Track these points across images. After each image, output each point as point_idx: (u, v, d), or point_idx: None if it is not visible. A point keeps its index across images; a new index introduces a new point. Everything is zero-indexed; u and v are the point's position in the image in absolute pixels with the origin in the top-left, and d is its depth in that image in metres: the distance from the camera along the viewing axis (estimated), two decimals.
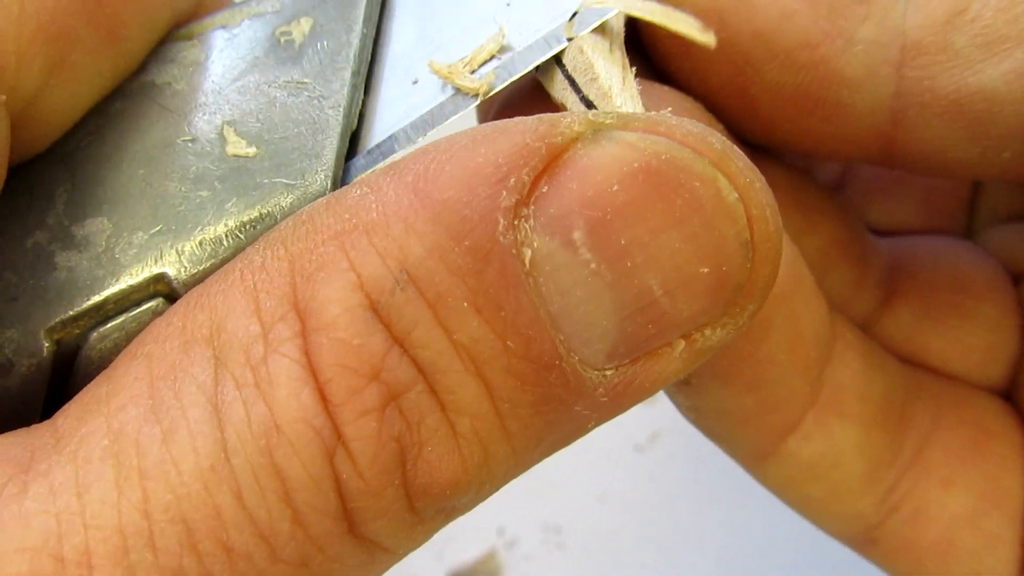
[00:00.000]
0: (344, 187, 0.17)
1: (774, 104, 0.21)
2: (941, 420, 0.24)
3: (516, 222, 0.15)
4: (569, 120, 0.16)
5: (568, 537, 0.43)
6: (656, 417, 0.46)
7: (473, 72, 0.18)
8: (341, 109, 0.19)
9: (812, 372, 0.22)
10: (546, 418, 0.16)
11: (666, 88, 0.21)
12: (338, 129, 0.18)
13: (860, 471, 0.23)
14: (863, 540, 0.24)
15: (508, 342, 0.15)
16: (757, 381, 0.21)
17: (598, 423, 0.17)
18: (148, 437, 0.15)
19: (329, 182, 0.18)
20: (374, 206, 0.15)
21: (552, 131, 0.15)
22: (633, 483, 0.45)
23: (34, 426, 0.16)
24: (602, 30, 0.19)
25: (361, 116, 0.19)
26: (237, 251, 0.18)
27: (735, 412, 0.22)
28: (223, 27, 0.20)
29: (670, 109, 0.17)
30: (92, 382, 0.16)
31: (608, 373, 0.16)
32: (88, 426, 0.16)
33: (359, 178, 0.16)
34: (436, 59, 0.19)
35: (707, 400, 0.22)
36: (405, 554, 0.17)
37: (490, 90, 0.18)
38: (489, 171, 0.15)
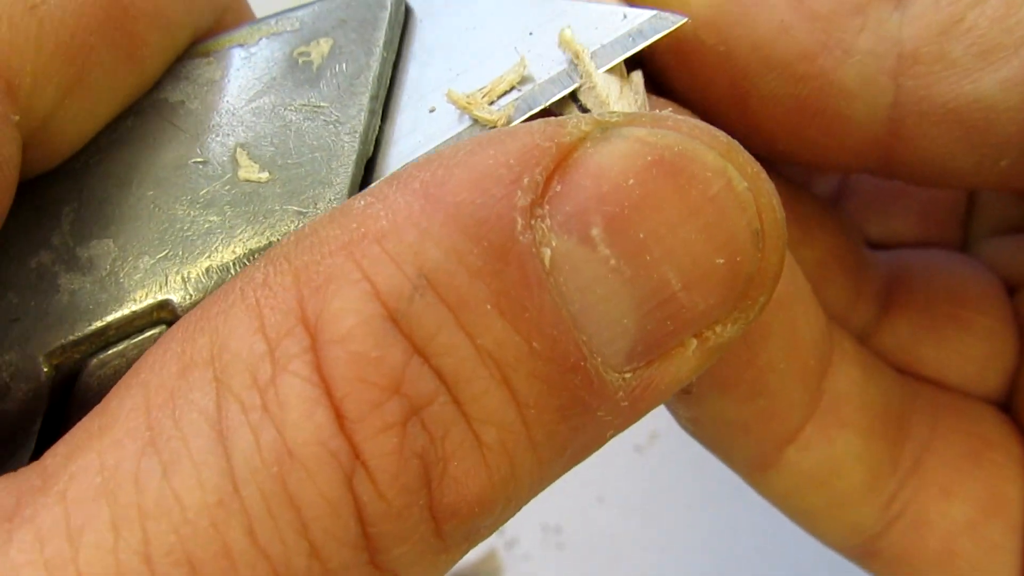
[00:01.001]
0: (348, 200, 0.16)
1: (773, 115, 0.21)
2: (939, 430, 0.24)
3: (533, 222, 0.15)
4: (576, 120, 0.16)
5: (568, 537, 0.44)
6: (656, 417, 0.46)
7: (492, 103, 0.18)
8: (357, 135, 0.18)
9: (811, 381, 0.22)
10: (570, 424, 0.16)
11: (663, 101, 0.21)
12: (353, 156, 0.18)
13: (861, 480, 0.23)
14: (864, 551, 0.24)
15: (534, 344, 0.15)
16: (757, 389, 0.21)
17: (616, 431, 0.17)
18: (147, 471, 0.14)
19: None
20: (383, 214, 0.15)
21: (560, 131, 0.15)
22: (633, 483, 0.45)
23: (21, 469, 0.15)
24: (619, 67, 0.19)
25: (377, 143, 0.19)
26: None
27: (735, 421, 0.22)
28: (240, 45, 0.20)
29: (671, 110, 0.17)
30: (85, 416, 0.15)
31: (627, 376, 0.16)
32: (78, 463, 0.15)
33: (363, 191, 0.16)
34: (455, 87, 0.19)
35: (707, 410, 0.22)
36: None
37: (508, 123, 0.18)
38: (502, 172, 0.15)
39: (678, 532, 0.44)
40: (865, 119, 0.21)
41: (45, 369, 0.18)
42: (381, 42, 0.19)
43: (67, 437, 0.15)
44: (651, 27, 0.19)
